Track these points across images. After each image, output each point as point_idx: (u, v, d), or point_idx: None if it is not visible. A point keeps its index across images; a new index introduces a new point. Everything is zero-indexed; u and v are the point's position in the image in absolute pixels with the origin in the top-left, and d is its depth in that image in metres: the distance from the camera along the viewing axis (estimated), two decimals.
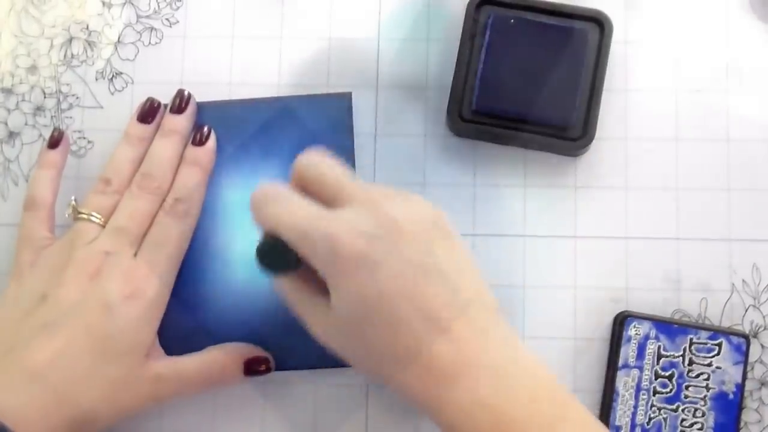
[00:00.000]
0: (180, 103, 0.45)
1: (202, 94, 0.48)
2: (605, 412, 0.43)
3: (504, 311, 0.36)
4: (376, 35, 0.48)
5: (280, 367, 0.44)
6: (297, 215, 0.36)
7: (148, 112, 0.45)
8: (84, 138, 0.48)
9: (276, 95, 0.48)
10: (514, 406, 0.33)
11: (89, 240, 0.42)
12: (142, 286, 0.41)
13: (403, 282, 0.34)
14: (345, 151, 0.45)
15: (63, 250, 0.42)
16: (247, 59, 0.48)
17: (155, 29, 0.49)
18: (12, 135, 0.48)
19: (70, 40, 0.49)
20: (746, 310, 0.45)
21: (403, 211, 0.36)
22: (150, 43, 0.49)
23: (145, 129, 0.45)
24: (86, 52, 0.49)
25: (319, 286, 0.37)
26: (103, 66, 0.49)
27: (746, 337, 0.44)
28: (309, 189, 0.38)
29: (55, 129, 0.46)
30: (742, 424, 0.44)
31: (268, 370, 0.43)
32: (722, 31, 0.48)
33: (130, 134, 0.45)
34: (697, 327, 0.44)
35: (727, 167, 0.46)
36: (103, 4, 0.49)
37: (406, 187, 0.47)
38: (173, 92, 0.46)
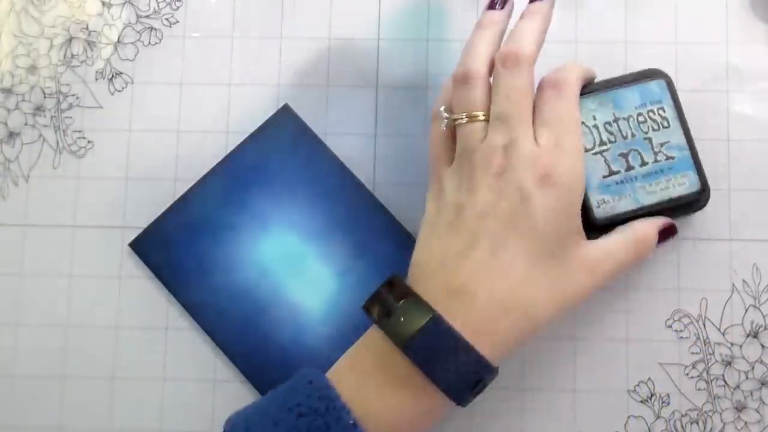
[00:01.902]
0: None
1: (201, 95, 0.48)
2: None
3: None
4: (376, 35, 0.48)
5: None
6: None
7: None
8: (84, 138, 0.48)
9: (276, 96, 0.48)
10: None
11: (480, 139, 0.39)
12: (552, 169, 0.38)
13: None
14: (323, 157, 0.46)
15: (463, 158, 0.39)
16: (247, 59, 0.48)
17: (155, 29, 0.49)
18: (12, 135, 0.48)
19: (70, 40, 0.49)
20: (746, 310, 0.45)
21: None
22: (150, 43, 0.49)
23: (500, 12, 0.42)
24: (86, 52, 0.49)
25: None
26: (103, 66, 0.49)
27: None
28: None
29: None
30: (741, 424, 0.44)
31: (674, 233, 0.42)
32: (722, 31, 0.48)
33: (481, 21, 0.42)
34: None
35: (727, 167, 0.46)
36: (103, 4, 0.49)
37: (406, 186, 0.47)
38: (172, 94, 0.46)
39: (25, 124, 0.48)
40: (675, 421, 0.45)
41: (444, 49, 0.48)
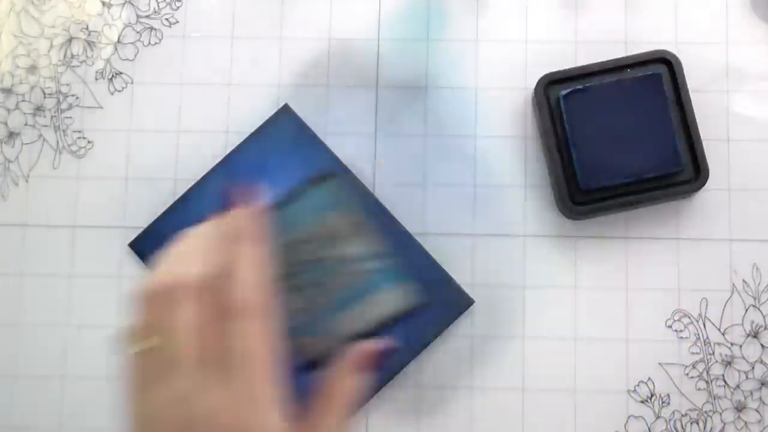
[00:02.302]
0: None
1: (201, 95, 0.48)
2: None
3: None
4: (376, 35, 0.48)
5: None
6: None
7: None
8: (84, 138, 0.48)
9: (276, 96, 0.48)
10: None
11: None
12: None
13: None
14: (323, 155, 0.47)
15: None
16: (247, 59, 0.48)
17: (155, 29, 0.49)
18: (12, 135, 0.48)
19: (70, 40, 0.49)
20: (746, 310, 0.45)
21: None
22: (150, 43, 0.49)
23: None
24: (86, 52, 0.49)
25: None
26: (103, 66, 0.49)
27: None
28: None
29: None
30: (741, 424, 0.44)
31: (389, 354, 0.37)
32: (722, 31, 0.48)
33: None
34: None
35: (727, 167, 0.46)
36: (103, 4, 0.49)
37: (407, 186, 0.47)
38: (172, 94, 0.47)
39: (25, 124, 0.48)
40: (675, 421, 0.45)
41: (444, 49, 0.48)
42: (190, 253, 0.35)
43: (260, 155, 0.47)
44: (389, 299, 0.36)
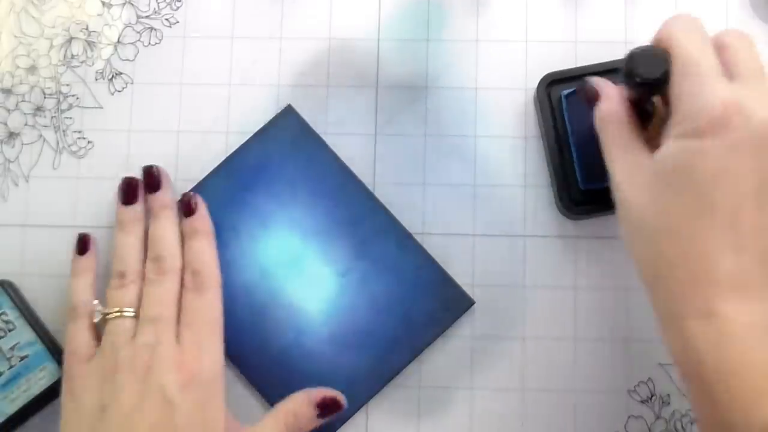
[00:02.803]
0: (153, 181, 0.45)
1: (201, 95, 0.48)
2: None
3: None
4: (376, 35, 0.48)
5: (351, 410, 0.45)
6: (697, 43, 0.34)
7: (130, 192, 0.45)
8: (84, 138, 0.48)
9: (276, 96, 0.48)
10: None
11: (129, 336, 0.41)
12: (195, 370, 0.40)
13: (750, 179, 0.32)
14: (324, 158, 0.47)
15: (107, 353, 0.41)
16: (247, 59, 0.48)
17: (155, 29, 0.49)
18: (12, 135, 0.48)
19: (70, 40, 0.49)
20: None
21: None
22: (150, 43, 0.49)
23: (134, 209, 0.44)
24: (86, 52, 0.49)
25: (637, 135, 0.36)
26: (103, 66, 0.49)
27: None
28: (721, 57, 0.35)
29: (79, 235, 0.45)
30: None
31: (339, 408, 0.43)
32: None
33: (122, 220, 0.44)
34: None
35: None
36: (103, 4, 0.49)
37: (407, 186, 0.47)
38: (172, 94, 0.46)
39: (25, 125, 0.48)
40: (675, 421, 0.45)
41: (444, 49, 0.48)
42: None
43: (263, 156, 0.47)
44: (43, 376, 0.43)
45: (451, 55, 0.48)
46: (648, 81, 0.35)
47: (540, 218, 0.46)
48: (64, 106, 0.48)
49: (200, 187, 0.47)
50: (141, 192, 0.45)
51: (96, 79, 0.49)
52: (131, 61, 0.49)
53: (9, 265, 0.47)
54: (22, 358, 0.43)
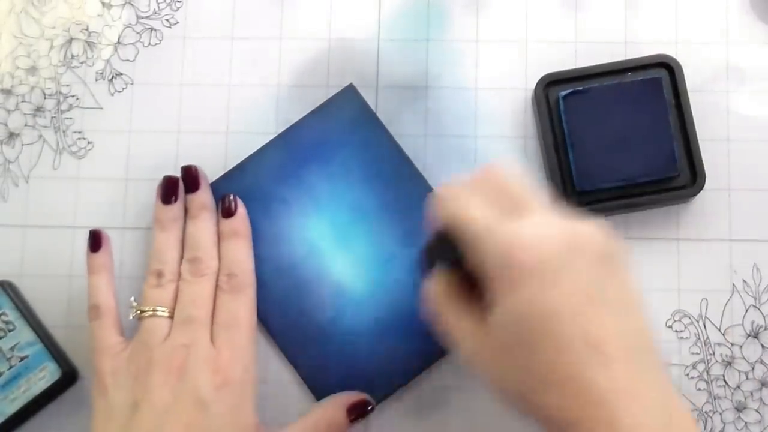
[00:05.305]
0: (192, 180, 0.45)
1: (201, 95, 0.48)
2: None
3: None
4: (376, 35, 0.48)
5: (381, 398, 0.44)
6: (476, 216, 0.35)
7: (170, 191, 0.44)
8: (84, 139, 0.48)
9: (276, 96, 0.48)
10: None
11: (163, 336, 0.41)
12: (229, 372, 0.40)
13: (575, 302, 0.32)
14: (382, 140, 0.46)
15: (140, 352, 0.41)
16: (247, 59, 0.48)
17: (155, 30, 0.49)
18: (12, 136, 0.48)
19: (70, 41, 0.49)
20: (746, 310, 0.45)
21: (585, 230, 0.34)
22: (150, 43, 0.49)
23: (172, 209, 0.44)
24: (86, 53, 0.49)
25: (471, 300, 0.36)
26: (103, 67, 0.49)
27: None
28: (490, 196, 0.36)
29: (91, 231, 0.45)
30: (742, 424, 0.44)
31: (371, 410, 0.43)
32: (722, 31, 0.48)
33: (162, 219, 0.44)
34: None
35: (727, 167, 0.46)
36: (103, 5, 0.49)
37: None
38: (172, 94, 0.46)
39: (25, 125, 0.48)
40: None
41: (444, 49, 0.48)
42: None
43: (320, 133, 0.47)
44: (43, 375, 0.43)
45: (451, 55, 0.48)
46: (449, 267, 0.37)
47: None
48: (64, 106, 0.48)
49: (256, 156, 0.46)
50: (181, 191, 0.45)
51: (96, 80, 0.49)
52: (131, 61, 0.49)
53: (9, 265, 0.47)
54: (22, 359, 0.43)
